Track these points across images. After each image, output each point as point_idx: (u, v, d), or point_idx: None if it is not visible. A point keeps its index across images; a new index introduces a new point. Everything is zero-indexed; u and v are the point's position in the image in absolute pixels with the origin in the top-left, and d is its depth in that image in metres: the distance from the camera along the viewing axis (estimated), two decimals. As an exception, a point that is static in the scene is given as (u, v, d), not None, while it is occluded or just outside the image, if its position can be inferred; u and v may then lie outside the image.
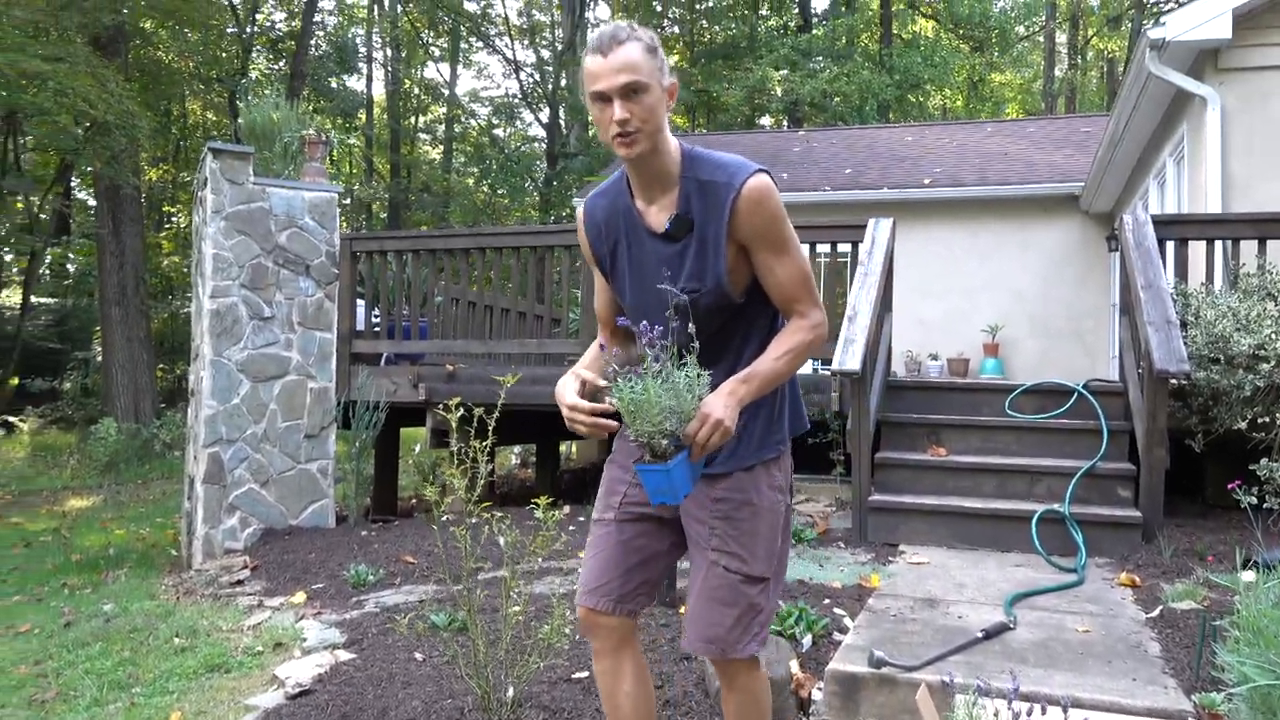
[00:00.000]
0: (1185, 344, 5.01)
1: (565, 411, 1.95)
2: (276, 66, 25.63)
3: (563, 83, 27.63)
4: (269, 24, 25.80)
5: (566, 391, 1.97)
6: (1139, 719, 2.73)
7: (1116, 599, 4.04)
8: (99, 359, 18.58)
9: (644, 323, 1.89)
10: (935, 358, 11.76)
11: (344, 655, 3.91)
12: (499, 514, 3.24)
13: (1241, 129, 7.05)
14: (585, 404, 1.94)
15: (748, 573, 2.06)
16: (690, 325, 1.95)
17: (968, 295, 12.09)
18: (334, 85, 25.98)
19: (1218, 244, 5.96)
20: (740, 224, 1.96)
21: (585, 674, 3.43)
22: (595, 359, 2.13)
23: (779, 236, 1.99)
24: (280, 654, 4.13)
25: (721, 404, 1.86)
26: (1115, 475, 5.20)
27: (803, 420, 2.24)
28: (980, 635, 3.42)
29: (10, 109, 12.02)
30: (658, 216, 2.03)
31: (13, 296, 17.31)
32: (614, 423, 1.94)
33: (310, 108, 22.96)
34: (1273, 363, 4.79)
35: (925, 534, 5.18)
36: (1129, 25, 27.36)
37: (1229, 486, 4.10)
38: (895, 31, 26.04)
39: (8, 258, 17.01)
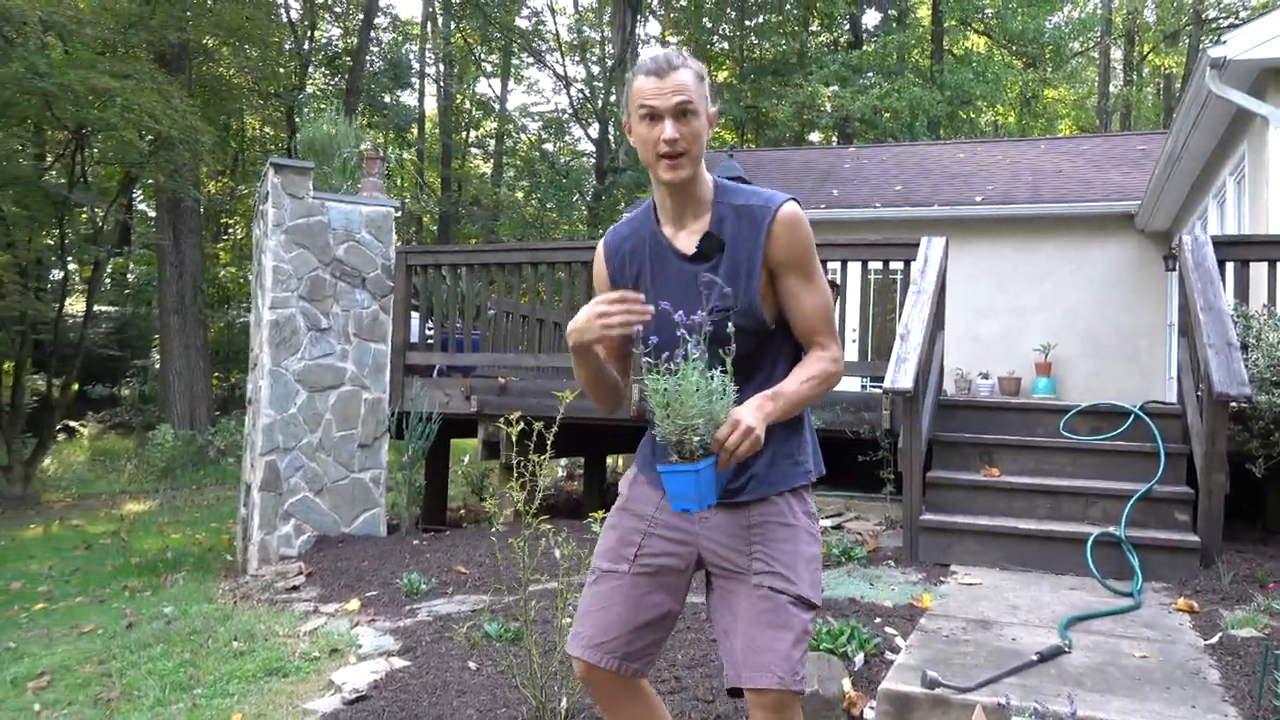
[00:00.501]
0: (1246, 367, 4.93)
1: (594, 309, 1.90)
2: (333, 82, 26.13)
3: (612, 98, 27.82)
4: (325, 40, 26.34)
5: (589, 306, 1.93)
6: (1199, 747, 2.70)
7: (1174, 625, 3.98)
8: (157, 366, 19.02)
9: (680, 312, 1.86)
10: (986, 376, 11.65)
11: (399, 662, 3.98)
12: (551, 527, 3.29)
13: (1305, 148, 6.93)
14: (614, 293, 1.92)
15: (796, 593, 1.96)
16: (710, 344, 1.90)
17: (1020, 314, 11.97)
18: (387, 100, 26.42)
19: (1280, 265, 5.86)
20: (776, 246, 1.97)
21: (637, 687, 3.46)
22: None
23: (809, 264, 2.01)
24: (336, 660, 4.21)
25: (751, 414, 1.83)
26: (1173, 499, 5.12)
27: (820, 465, 2.18)
28: (1035, 658, 3.39)
29: (80, 124, 12.36)
30: (688, 239, 2.03)
31: (76, 305, 17.79)
32: (649, 307, 1.90)
33: (365, 122, 23.42)
34: (1338, 387, 4.70)
35: (977, 554, 5.14)
36: (1186, 41, 26.96)
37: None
38: (947, 47, 25.91)
39: (71, 267, 17.48)
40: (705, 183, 2.03)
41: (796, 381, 1.97)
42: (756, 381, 2.00)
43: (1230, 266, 5.81)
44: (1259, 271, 5.97)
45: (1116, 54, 30.11)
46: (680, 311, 1.87)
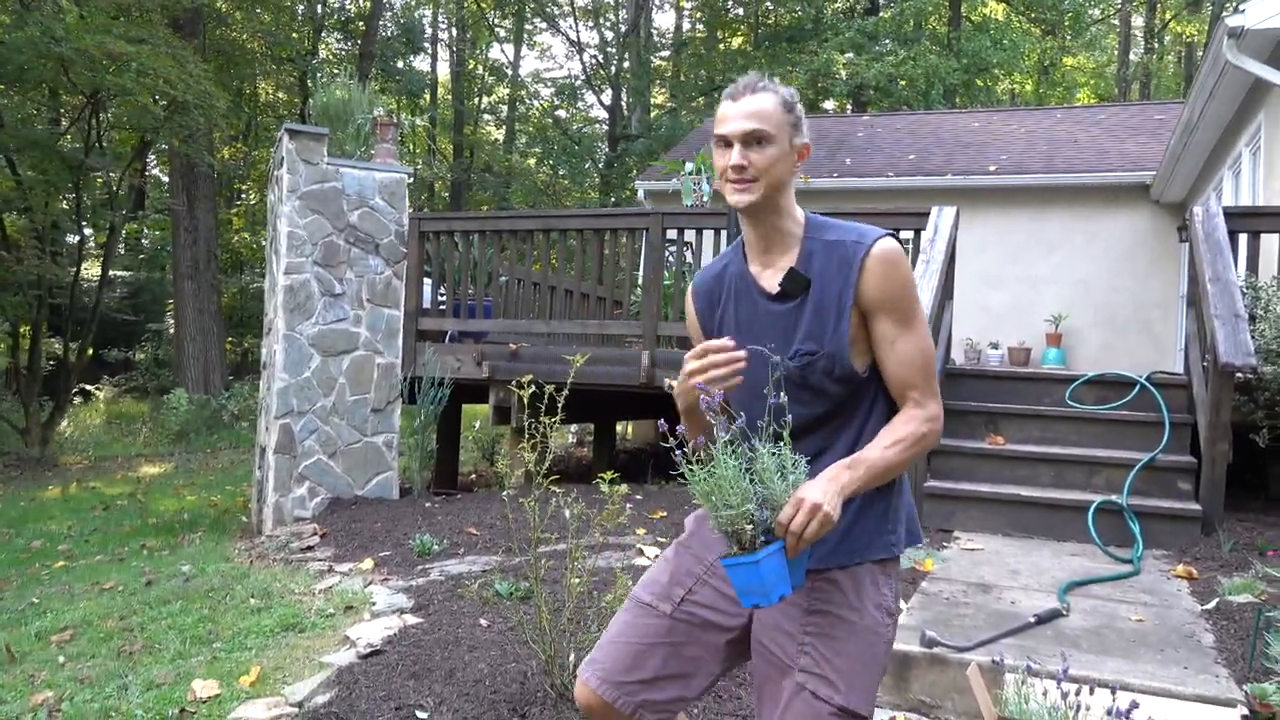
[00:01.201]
0: (1253, 338, 4.97)
1: (690, 366, 1.74)
2: (346, 47, 26.06)
3: (625, 65, 27.67)
4: (338, 4, 26.23)
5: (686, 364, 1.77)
6: (1189, 704, 2.77)
7: (1172, 590, 4.05)
8: (171, 331, 19.19)
9: (702, 398, 1.68)
10: (996, 346, 11.66)
11: (411, 619, 4.08)
12: (561, 489, 3.36)
13: (1321, 119, 6.89)
14: (698, 347, 1.74)
15: (841, 704, 1.73)
16: (782, 397, 1.74)
17: (1031, 284, 11.95)
18: (400, 66, 26.35)
19: (1291, 237, 5.86)
20: (868, 285, 1.79)
21: (643, 644, 3.55)
22: None
23: (907, 307, 1.81)
24: (351, 616, 4.32)
25: (821, 489, 1.61)
26: (1176, 468, 5.17)
27: (917, 534, 1.96)
28: (1033, 620, 3.46)
29: (95, 89, 12.40)
30: (773, 277, 1.87)
31: (92, 269, 17.93)
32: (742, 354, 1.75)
33: (378, 88, 23.37)
34: (1343, 359, 4.72)
35: (980, 521, 5.20)
36: (1209, 8, 26.58)
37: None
38: (964, 14, 25.60)
39: (87, 232, 17.60)
40: (791, 216, 1.87)
41: (881, 447, 1.75)
42: (844, 440, 1.84)
43: (1243, 238, 5.81)
44: (1270, 243, 5.97)
45: (1137, 21, 29.71)
46: (703, 391, 1.69)
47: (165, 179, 21.18)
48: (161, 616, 4.71)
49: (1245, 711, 2.73)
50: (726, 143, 1.82)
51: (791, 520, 1.58)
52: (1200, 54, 26.28)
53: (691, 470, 1.63)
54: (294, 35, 22.56)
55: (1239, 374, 4.76)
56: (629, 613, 1.94)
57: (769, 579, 1.57)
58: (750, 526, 1.60)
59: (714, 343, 1.74)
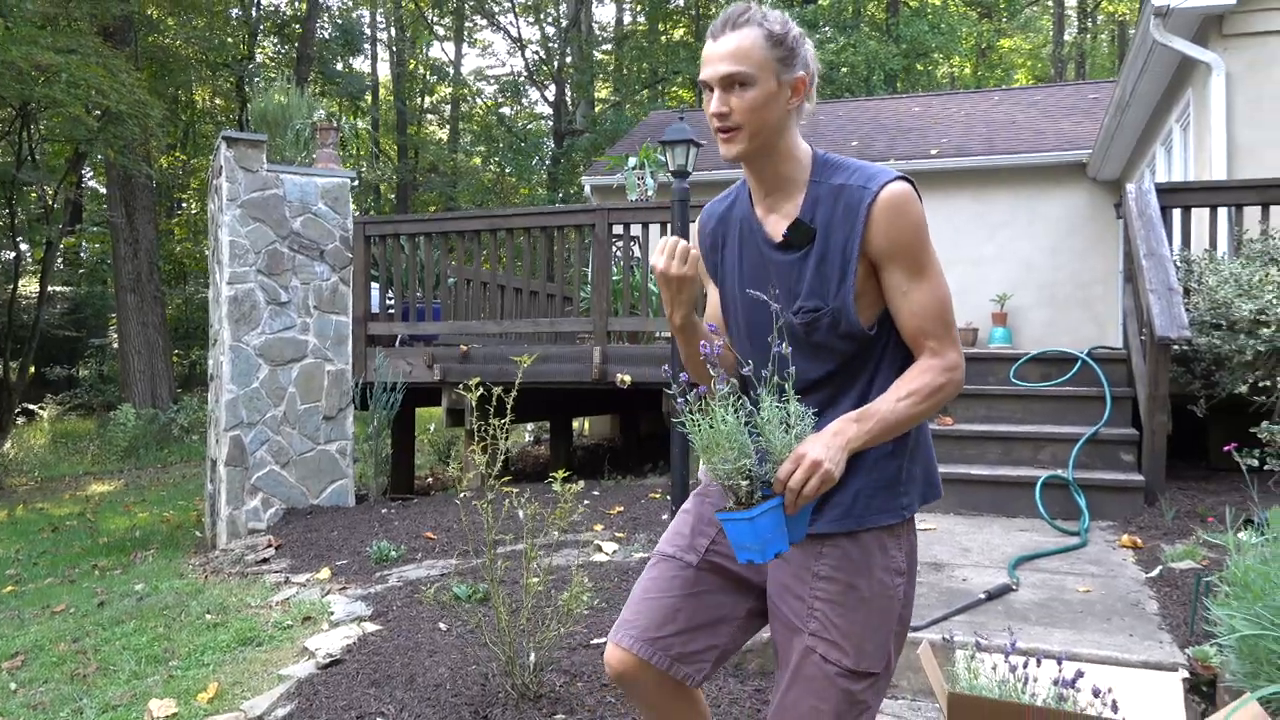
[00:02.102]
0: (1187, 310, 5.10)
1: (660, 266, 1.73)
2: (283, 50, 25.69)
3: (568, 59, 27.59)
4: (273, 7, 25.85)
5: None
6: (1135, 671, 2.85)
7: (1117, 560, 4.15)
8: (115, 346, 18.82)
9: (703, 344, 1.67)
10: (944, 328, 11.83)
11: (370, 627, 4.06)
12: (516, 490, 3.37)
13: (1247, 95, 7.08)
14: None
15: (850, 667, 1.70)
16: (788, 350, 1.69)
17: (975, 265, 12.14)
18: (340, 68, 26.03)
19: (1221, 211, 6.02)
20: (875, 234, 1.67)
21: (602, 640, 3.57)
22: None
23: (918, 253, 1.69)
24: (309, 627, 4.29)
25: (823, 444, 1.56)
26: (1118, 440, 5.30)
27: (936, 487, 1.86)
28: (983, 596, 3.54)
29: (24, 101, 12.12)
30: (778, 224, 1.76)
31: (30, 285, 17.53)
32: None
33: (317, 91, 23.06)
34: (1274, 327, 4.86)
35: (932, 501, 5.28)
36: (1138, -12, 27.11)
37: (1225, 450, 4.20)
38: None
39: (24, 248, 17.19)
40: (793, 158, 1.75)
41: (893, 399, 1.66)
42: (852, 396, 1.74)
43: (1176, 213, 5.96)
44: (1201, 217, 6.13)
45: (1070, 1, 30.23)
46: (703, 343, 1.67)
47: (103, 191, 20.75)
48: (115, 637, 4.64)
49: (1187, 674, 2.81)
50: (708, 87, 1.71)
51: (790, 476, 1.53)
52: (1132, 32, 26.82)
53: (693, 421, 1.59)
54: (229, 40, 22.19)
55: (1175, 346, 4.89)
56: (654, 568, 1.88)
57: (764, 535, 1.54)
58: (746, 482, 1.56)
59: (671, 240, 1.71)
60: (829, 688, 1.70)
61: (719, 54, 1.68)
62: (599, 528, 5.38)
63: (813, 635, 1.72)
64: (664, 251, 1.75)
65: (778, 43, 1.69)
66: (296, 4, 25.36)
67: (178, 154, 24.45)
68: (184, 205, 26.43)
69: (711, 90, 1.70)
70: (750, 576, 1.85)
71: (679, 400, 1.61)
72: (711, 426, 1.57)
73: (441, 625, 3.94)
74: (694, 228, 1.95)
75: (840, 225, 1.69)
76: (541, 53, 29.89)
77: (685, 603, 1.82)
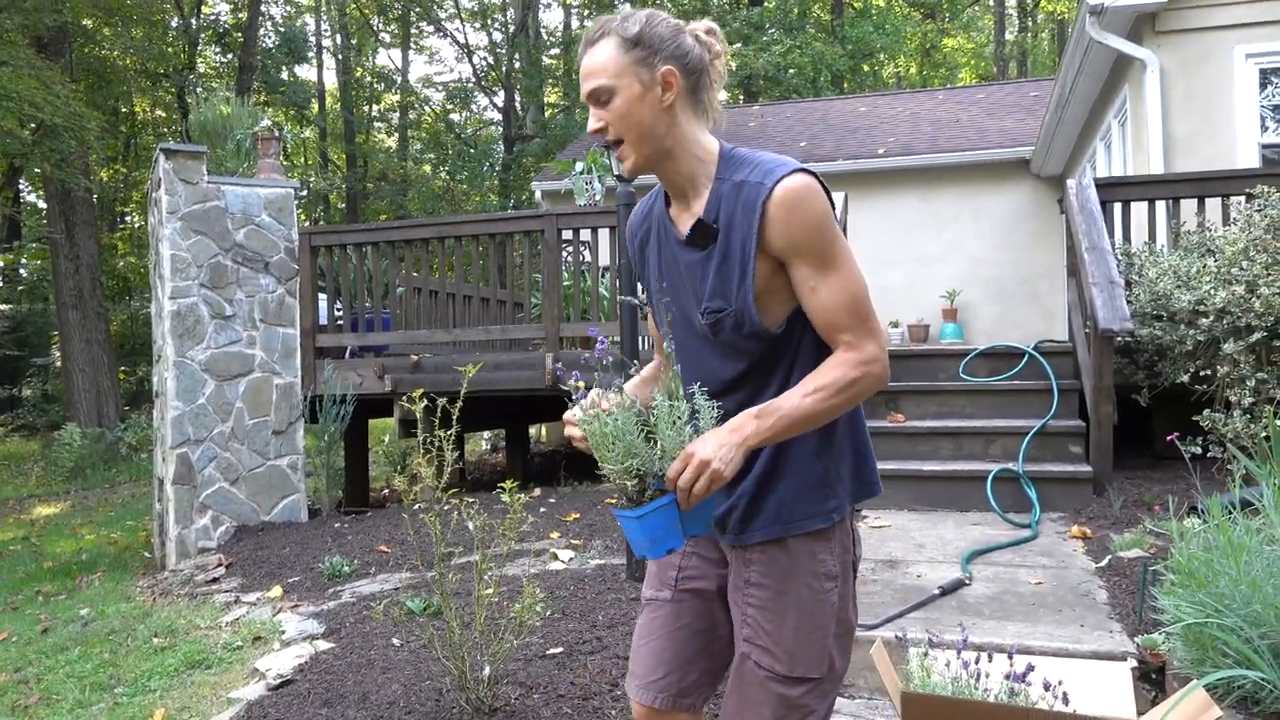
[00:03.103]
0: (1129, 302, 5.19)
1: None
2: (225, 60, 25.29)
3: (516, 65, 27.48)
4: (214, 16, 25.44)
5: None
6: (1085, 662, 2.88)
7: (1068, 551, 4.20)
8: (58, 364, 18.39)
9: (602, 338, 1.71)
10: (896, 325, 11.94)
11: (323, 645, 3.99)
12: (469, 499, 3.33)
13: (1181, 90, 7.23)
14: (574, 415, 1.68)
15: (783, 673, 1.70)
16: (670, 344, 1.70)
17: (925, 262, 12.27)
18: (284, 77, 25.68)
19: (1159, 204, 6.14)
20: (773, 231, 1.62)
21: (559, 649, 3.54)
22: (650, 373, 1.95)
23: (822, 247, 1.63)
24: (260, 647, 4.20)
25: (715, 442, 1.54)
26: (1066, 432, 5.37)
27: (870, 485, 1.83)
28: (937, 592, 3.56)
29: (-47, 116, 11.80)
30: (687, 224, 1.74)
31: (-33, 305, 17.08)
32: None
33: (261, 99, 22.73)
34: (1212, 317, 4.95)
35: (886, 498, 5.32)
36: (1075, -13, 27.60)
37: (1168, 439, 4.27)
38: (846, 1, 26.13)
39: (-41, 266, 16.76)
40: (694, 155, 1.71)
41: (800, 394, 1.61)
42: (768, 395, 1.69)
43: (1116, 207, 6.07)
44: (1140, 210, 6.25)
45: (1011, 1, 30.72)
46: (602, 338, 1.71)
47: (42, 205, 20.28)
48: (59, 665, 4.51)
49: (1135, 663, 2.84)
50: (587, 106, 1.70)
51: (680, 475, 1.53)
52: (1070, 31, 27.34)
53: (584, 424, 1.60)
54: (168, 50, 21.79)
55: (1118, 338, 4.97)
56: (642, 615, 1.93)
57: (655, 533, 1.55)
58: (634, 481, 1.56)
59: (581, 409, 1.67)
60: (764, 694, 1.71)
61: (583, 73, 1.70)
62: (555, 535, 5.34)
63: (746, 642, 1.73)
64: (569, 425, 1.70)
65: (633, 44, 1.67)
66: (238, 13, 24.98)
67: (118, 167, 23.97)
68: (126, 219, 25.91)
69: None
70: (717, 591, 1.86)
71: (570, 402, 1.64)
72: (602, 427, 1.57)
73: (395, 641, 3.88)
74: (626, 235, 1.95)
75: (740, 223, 1.65)
76: (489, 58, 29.75)
77: (670, 640, 1.86)
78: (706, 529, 1.66)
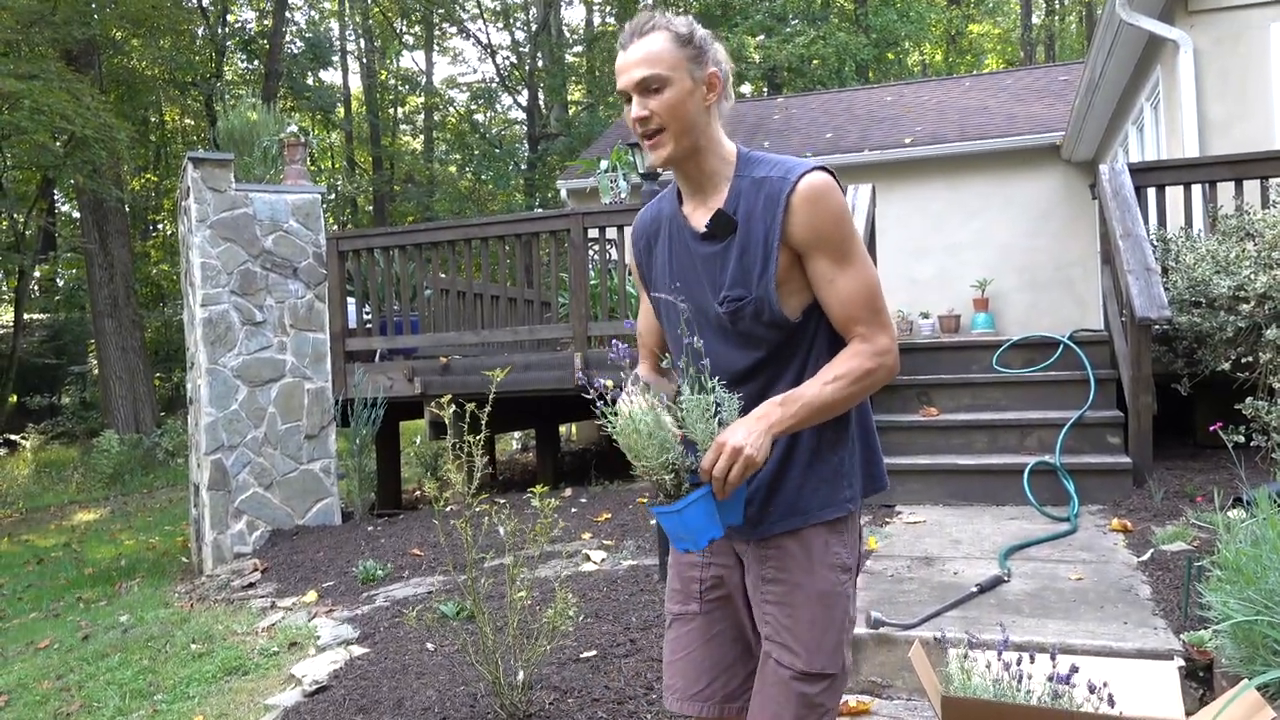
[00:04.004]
0: (1166, 289, 5.08)
1: None
2: (251, 67, 25.50)
3: (539, 63, 27.49)
4: (239, 24, 25.65)
5: None
6: (1130, 661, 2.81)
7: (1108, 545, 4.12)
8: (95, 372, 18.64)
9: (614, 340, 1.75)
10: (926, 316, 11.83)
11: (358, 650, 4.00)
12: (500, 501, 3.32)
13: (1215, 71, 7.08)
14: None
15: (802, 669, 1.73)
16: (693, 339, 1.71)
17: (954, 252, 12.13)
18: (310, 82, 25.86)
19: (1195, 188, 6.01)
20: (796, 224, 1.70)
21: (593, 653, 3.52)
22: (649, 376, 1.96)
23: (840, 241, 1.71)
24: (296, 653, 4.22)
25: (745, 429, 1.60)
26: (1104, 423, 5.28)
27: (878, 479, 1.90)
28: (975, 590, 3.50)
29: (-13, 129, 11.99)
30: (703, 218, 1.80)
31: (5, 315, 17.35)
32: None
33: (287, 105, 22.91)
34: (1252, 303, 4.84)
35: (921, 493, 5.26)
36: (1103, -32, 27.16)
37: (1210, 429, 4.18)
38: (869, -10, 25.90)
39: (-3, 277, 17.04)
40: (717, 154, 1.79)
41: (820, 382, 1.68)
42: (784, 384, 1.75)
43: (1150, 192, 5.95)
44: (1175, 195, 6.12)
45: (1037, -15, 30.33)
46: (615, 341, 1.74)
47: (76, 215, 20.56)
48: (100, 672, 4.56)
49: (1183, 661, 2.78)
50: (626, 97, 1.75)
51: (714, 465, 1.57)
52: (1099, 13, 26.91)
53: (609, 422, 1.62)
54: (196, 59, 22.01)
55: (1156, 326, 4.87)
56: (670, 630, 1.95)
57: (694, 525, 1.58)
58: (671, 476, 1.59)
59: None
60: (786, 694, 1.73)
61: (631, 61, 1.73)
62: (587, 536, 5.33)
63: (767, 640, 1.77)
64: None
65: (685, 42, 1.73)
66: (263, 20, 25.18)
67: (149, 175, 24.24)
68: (159, 227, 26.21)
69: (629, 99, 1.74)
70: (740, 594, 1.88)
71: (596, 407, 1.66)
72: (630, 425, 1.59)
73: (429, 645, 3.88)
74: (629, 241, 1.99)
75: (761, 216, 1.72)
76: (512, 58, 29.79)
77: (708, 650, 1.88)
78: (741, 519, 1.68)
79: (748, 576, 1.83)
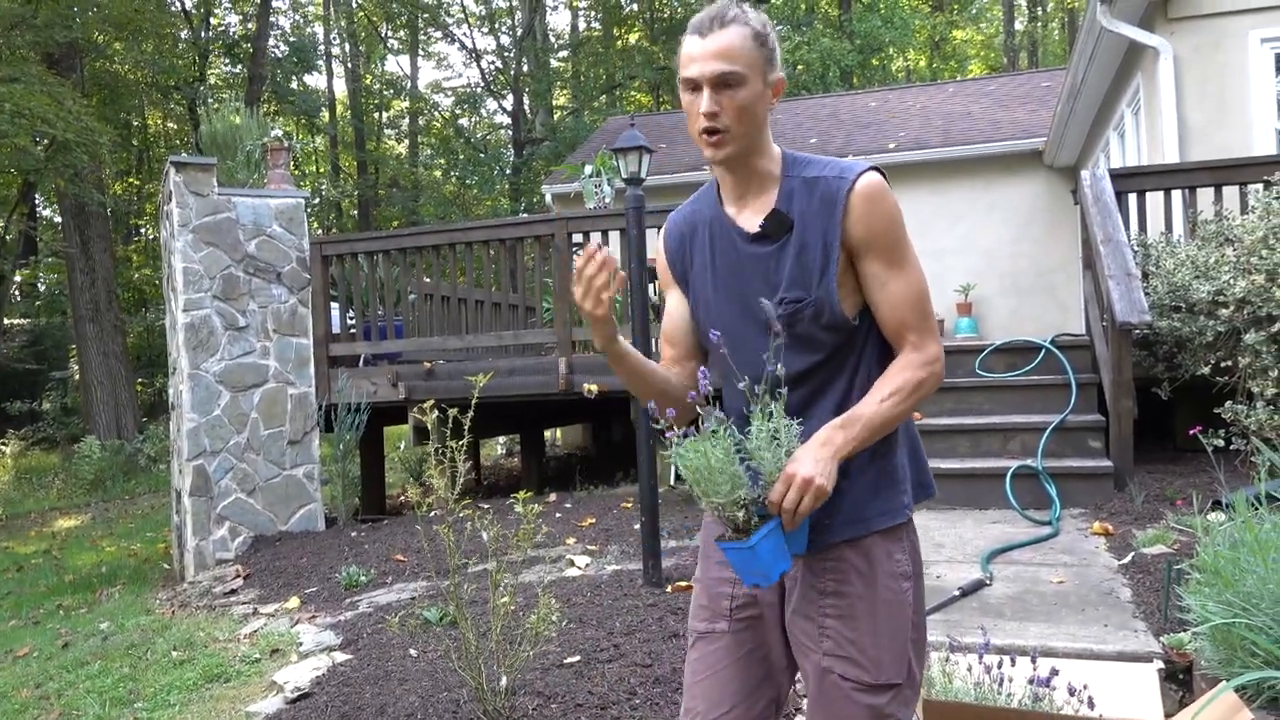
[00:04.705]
0: (1146, 294, 5.12)
1: (578, 295, 1.67)
2: (235, 70, 25.39)
3: (524, 68, 27.49)
4: (223, 28, 25.55)
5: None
6: (1110, 664, 2.83)
7: (1090, 548, 4.15)
8: (77, 377, 18.49)
9: (701, 368, 1.69)
10: (910, 321, 11.88)
11: (340, 657, 3.98)
12: (484, 506, 3.31)
13: (1195, 78, 7.14)
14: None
15: (870, 681, 1.67)
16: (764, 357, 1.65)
17: (939, 257, 12.18)
18: (294, 86, 25.77)
19: (1175, 193, 6.06)
20: (854, 223, 1.67)
21: (577, 658, 3.51)
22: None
23: (895, 243, 1.69)
24: (278, 660, 4.19)
25: (811, 458, 1.55)
26: (1085, 427, 5.31)
27: (928, 486, 1.84)
28: (957, 593, 3.51)
29: (-33, 133, 11.88)
30: (752, 218, 1.74)
31: (-15, 320, 17.21)
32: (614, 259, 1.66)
33: (271, 109, 22.81)
34: (1232, 307, 4.89)
35: (905, 497, 5.26)
36: (1085, -24, 27.37)
37: (1190, 432, 4.21)
38: (853, -4, 26.02)
39: (-23, 281, 16.88)
40: (768, 156, 1.74)
41: (876, 400, 1.64)
42: (837, 389, 1.72)
43: (1131, 198, 6.00)
44: (1156, 200, 6.17)
45: (1020, -9, 30.56)
46: (702, 368, 1.68)
47: (58, 220, 20.42)
48: (79, 680, 4.52)
49: (1162, 664, 2.80)
50: (694, 86, 1.66)
51: (784, 497, 1.53)
52: (1081, 20, 27.12)
53: (681, 456, 1.56)
54: (179, 63, 21.90)
55: (1136, 331, 4.91)
56: (695, 649, 1.85)
57: (767, 560, 1.53)
58: (743, 513, 1.55)
59: (591, 247, 1.65)
60: (852, 707, 1.67)
61: (710, 51, 1.65)
62: (571, 541, 5.32)
63: (827, 655, 1.69)
64: (586, 256, 1.68)
65: (762, 42, 1.68)
66: (247, 24, 25.09)
67: (132, 180, 24.10)
68: (141, 231, 26.04)
69: (698, 89, 1.66)
70: (771, 615, 1.81)
71: (667, 435, 1.59)
72: (701, 459, 1.53)
73: (412, 651, 3.87)
74: (659, 239, 1.91)
75: (818, 216, 1.68)
76: (498, 62, 29.78)
77: (735, 671, 1.79)
78: (805, 547, 1.63)
79: (799, 592, 1.74)
